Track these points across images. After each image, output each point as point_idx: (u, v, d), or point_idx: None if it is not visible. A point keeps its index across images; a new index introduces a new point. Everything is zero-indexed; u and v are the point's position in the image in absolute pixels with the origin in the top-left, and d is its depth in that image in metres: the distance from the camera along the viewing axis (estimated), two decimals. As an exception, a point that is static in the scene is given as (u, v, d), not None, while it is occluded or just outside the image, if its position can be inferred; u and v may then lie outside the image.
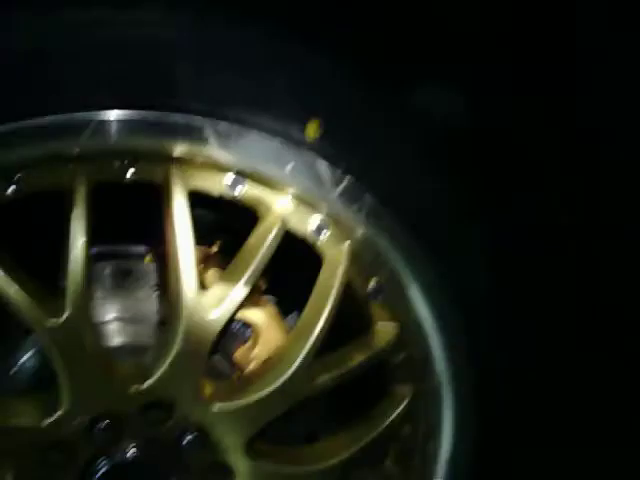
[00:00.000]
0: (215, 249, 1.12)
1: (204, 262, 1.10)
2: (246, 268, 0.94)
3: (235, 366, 1.12)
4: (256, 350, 1.11)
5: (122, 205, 1.02)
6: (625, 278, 1.11)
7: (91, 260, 0.90)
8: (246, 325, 1.12)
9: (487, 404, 1.12)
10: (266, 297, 1.16)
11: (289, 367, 0.98)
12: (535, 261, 1.09)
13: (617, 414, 1.18)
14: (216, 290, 0.96)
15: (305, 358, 0.98)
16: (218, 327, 0.94)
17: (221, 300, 0.93)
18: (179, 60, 0.88)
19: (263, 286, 1.15)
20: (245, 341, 1.12)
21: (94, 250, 0.99)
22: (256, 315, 1.11)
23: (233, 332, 1.11)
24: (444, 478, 1.16)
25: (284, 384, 0.98)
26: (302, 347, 0.98)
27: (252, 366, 1.11)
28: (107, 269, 1.12)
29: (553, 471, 1.21)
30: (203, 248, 1.11)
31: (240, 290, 0.94)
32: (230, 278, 0.95)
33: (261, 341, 1.11)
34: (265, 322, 1.11)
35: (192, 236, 0.91)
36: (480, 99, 1.02)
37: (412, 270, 1.01)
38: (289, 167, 0.93)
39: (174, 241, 0.90)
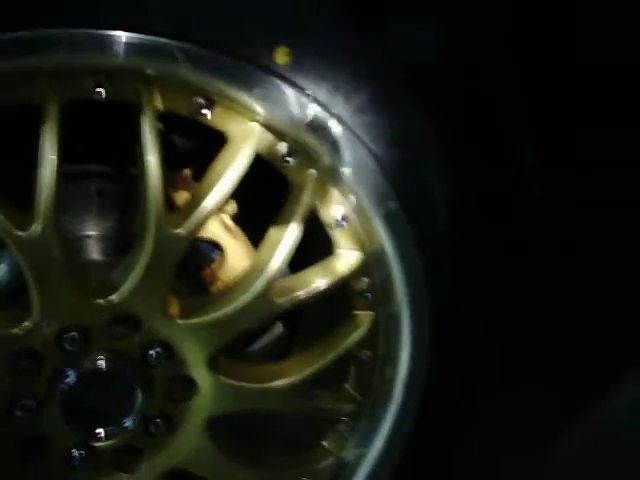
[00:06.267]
0: (188, 173, 1.14)
1: (176, 185, 1.12)
2: (212, 188, 0.97)
3: (202, 285, 1.15)
4: (222, 271, 1.15)
5: (95, 124, 1.04)
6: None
7: (61, 178, 0.91)
8: (214, 246, 1.15)
9: (441, 329, 1.16)
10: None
11: (252, 286, 1.02)
12: (495, 202, 1.12)
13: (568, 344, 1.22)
14: (184, 210, 0.98)
15: (268, 279, 1.01)
16: (184, 243, 0.97)
17: (188, 218, 0.96)
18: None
19: (232, 211, 1.18)
20: (212, 261, 1.15)
21: (65, 169, 1.00)
22: (223, 237, 1.14)
23: (201, 252, 1.14)
24: (400, 401, 1.21)
25: (246, 303, 1.01)
26: (265, 268, 1.01)
27: (218, 285, 1.15)
28: (80, 187, 1.14)
29: (504, 394, 1.26)
30: (176, 172, 1.13)
31: (206, 207, 0.96)
32: (198, 198, 0.97)
33: (227, 262, 1.15)
34: (232, 245, 1.14)
35: (160, 155, 0.93)
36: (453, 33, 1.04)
37: (376, 201, 1.04)
38: (257, 92, 0.95)
39: (143, 160, 0.93)
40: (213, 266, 1.15)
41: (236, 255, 1.15)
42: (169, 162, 0.96)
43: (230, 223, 1.15)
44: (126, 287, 0.97)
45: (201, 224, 0.97)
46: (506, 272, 1.15)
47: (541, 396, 1.26)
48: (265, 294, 1.02)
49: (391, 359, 1.20)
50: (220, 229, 1.13)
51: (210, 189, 0.98)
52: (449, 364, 1.20)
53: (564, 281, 1.17)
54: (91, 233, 1.12)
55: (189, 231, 0.97)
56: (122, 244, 1.09)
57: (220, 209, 1.03)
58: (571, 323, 1.22)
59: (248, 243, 1.18)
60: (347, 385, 1.24)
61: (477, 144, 1.08)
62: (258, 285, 1.02)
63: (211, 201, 0.97)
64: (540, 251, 1.14)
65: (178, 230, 0.96)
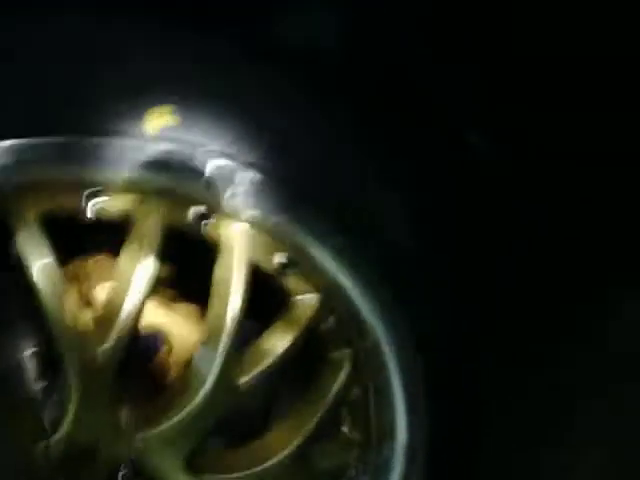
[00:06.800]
0: (97, 260, 0.99)
1: (89, 279, 0.97)
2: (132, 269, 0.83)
3: (156, 379, 1.01)
4: (173, 356, 1.01)
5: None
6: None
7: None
8: (155, 334, 1.01)
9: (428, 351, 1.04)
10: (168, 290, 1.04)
11: (205, 378, 0.88)
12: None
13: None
14: (104, 316, 0.84)
15: (222, 365, 0.88)
16: (115, 356, 0.83)
17: (109, 331, 0.82)
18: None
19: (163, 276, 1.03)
20: (157, 351, 1.01)
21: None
22: (161, 319, 1.00)
23: (142, 346, 1.00)
24: (406, 427, 1.09)
25: (204, 399, 0.87)
26: (215, 353, 0.88)
27: (173, 373, 1.01)
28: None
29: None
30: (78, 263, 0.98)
31: (126, 312, 0.82)
32: (111, 303, 0.83)
33: (175, 345, 1.00)
34: (174, 323, 1.00)
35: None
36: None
37: (316, 238, 0.91)
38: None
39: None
40: (160, 355, 1.00)
41: (183, 333, 1.01)
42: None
43: (162, 301, 1.00)
44: (66, 424, 0.83)
45: (128, 331, 0.83)
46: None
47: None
48: (224, 382, 0.88)
49: (382, 389, 1.07)
50: (154, 312, 0.99)
51: (130, 275, 0.83)
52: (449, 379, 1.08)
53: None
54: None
55: (116, 346, 0.82)
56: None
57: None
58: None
59: (191, 309, 1.04)
60: (344, 429, 1.11)
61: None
62: (214, 371, 0.88)
63: (129, 305, 0.82)
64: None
65: (104, 347, 0.81)
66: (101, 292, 0.97)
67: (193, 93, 0.80)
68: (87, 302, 0.99)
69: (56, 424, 0.85)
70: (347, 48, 0.93)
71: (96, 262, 1.00)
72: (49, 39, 0.79)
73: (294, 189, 0.87)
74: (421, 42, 0.96)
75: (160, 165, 0.80)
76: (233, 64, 0.87)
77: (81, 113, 0.77)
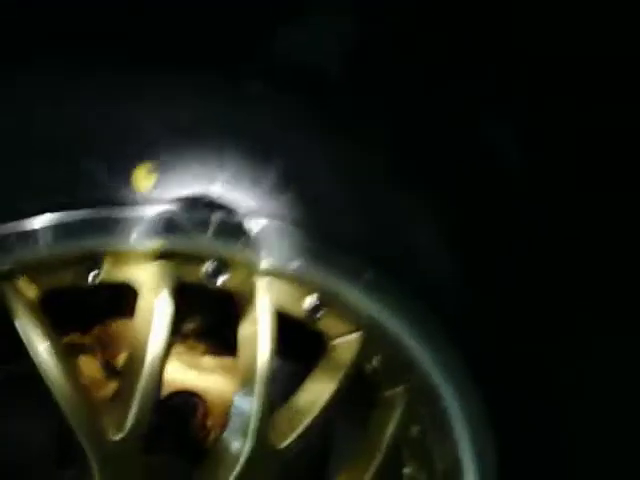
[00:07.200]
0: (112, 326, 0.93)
1: (107, 345, 0.91)
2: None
3: (197, 444, 0.94)
4: (210, 417, 0.93)
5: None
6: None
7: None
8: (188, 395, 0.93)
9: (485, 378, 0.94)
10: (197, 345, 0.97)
11: (244, 441, 0.80)
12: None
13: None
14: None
15: (258, 431, 0.79)
16: (140, 428, 0.76)
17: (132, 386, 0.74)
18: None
19: (191, 330, 0.97)
20: (195, 411, 0.94)
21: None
22: (195, 380, 0.92)
23: (175, 410, 0.93)
24: (472, 465, 1.00)
25: (245, 467, 0.79)
26: (251, 410, 0.80)
27: (212, 437, 0.93)
28: None
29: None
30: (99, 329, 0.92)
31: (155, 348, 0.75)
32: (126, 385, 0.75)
33: (211, 406, 0.93)
34: (206, 384, 0.93)
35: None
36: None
37: (345, 275, 0.82)
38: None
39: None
40: (197, 420, 0.93)
41: (218, 392, 0.93)
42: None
43: (190, 360, 0.93)
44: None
45: (144, 417, 0.75)
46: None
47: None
48: (261, 448, 0.80)
49: (441, 423, 0.98)
50: (185, 374, 0.91)
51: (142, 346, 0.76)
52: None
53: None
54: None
55: (140, 416, 0.75)
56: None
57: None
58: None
59: (225, 361, 0.96)
60: (407, 470, 1.03)
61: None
62: (251, 433, 0.80)
63: (151, 355, 0.75)
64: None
65: (126, 424, 0.74)
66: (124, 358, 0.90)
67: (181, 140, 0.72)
68: (113, 370, 0.92)
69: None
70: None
71: (119, 326, 0.93)
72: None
73: (313, 229, 0.78)
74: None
75: (161, 227, 0.72)
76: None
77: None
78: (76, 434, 0.72)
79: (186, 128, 0.71)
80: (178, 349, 0.93)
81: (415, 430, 0.99)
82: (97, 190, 0.67)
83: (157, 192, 0.70)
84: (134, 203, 0.69)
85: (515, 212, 0.93)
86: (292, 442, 0.83)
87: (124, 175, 0.68)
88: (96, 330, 0.93)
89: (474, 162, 0.88)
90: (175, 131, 0.71)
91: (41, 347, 0.70)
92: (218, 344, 0.98)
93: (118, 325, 0.93)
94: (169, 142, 0.70)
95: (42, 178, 0.70)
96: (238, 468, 0.79)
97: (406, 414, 0.97)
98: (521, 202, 0.94)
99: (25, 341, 0.71)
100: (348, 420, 1.03)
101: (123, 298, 0.88)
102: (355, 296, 0.84)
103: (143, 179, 0.69)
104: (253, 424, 0.79)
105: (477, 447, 0.99)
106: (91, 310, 0.94)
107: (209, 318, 0.94)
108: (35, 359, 0.70)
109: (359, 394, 0.95)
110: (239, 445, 0.81)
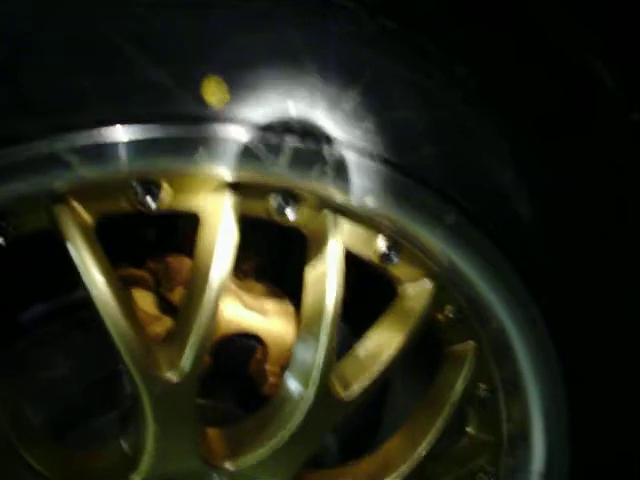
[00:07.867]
0: (173, 261, 0.87)
1: (164, 281, 0.85)
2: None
3: (254, 386, 0.89)
4: (269, 362, 0.88)
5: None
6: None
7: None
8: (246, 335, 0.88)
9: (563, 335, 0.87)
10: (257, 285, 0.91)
11: (306, 389, 0.74)
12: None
13: None
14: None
15: (322, 370, 0.73)
16: (195, 369, 0.70)
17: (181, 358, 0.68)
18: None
19: (250, 270, 0.91)
20: (254, 352, 0.88)
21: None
22: (253, 323, 0.86)
23: (235, 348, 0.87)
24: (542, 431, 0.93)
25: (307, 416, 0.74)
26: (313, 354, 0.73)
27: (271, 383, 0.88)
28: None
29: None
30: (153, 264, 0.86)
31: (198, 336, 0.69)
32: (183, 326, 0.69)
33: (271, 350, 0.87)
34: (266, 327, 0.87)
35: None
36: None
37: (423, 218, 0.75)
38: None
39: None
40: (255, 361, 0.87)
41: (276, 336, 0.87)
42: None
43: (250, 301, 0.86)
44: (145, 458, 0.71)
45: (199, 357, 0.69)
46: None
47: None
48: (328, 392, 0.74)
49: (512, 383, 0.91)
50: (243, 314, 0.85)
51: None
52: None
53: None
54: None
55: (196, 357, 0.69)
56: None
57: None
58: None
59: (285, 305, 0.90)
60: (469, 429, 0.96)
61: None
62: (314, 384, 0.74)
63: (199, 329, 0.69)
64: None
65: (181, 364, 0.68)
66: (180, 294, 0.85)
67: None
68: (168, 306, 0.87)
69: (135, 458, 0.73)
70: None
71: (174, 261, 0.87)
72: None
73: (392, 162, 0.71)
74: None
75: (230, 151, 0.65)
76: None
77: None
78: (129, 371, 0.67)
79: (265, 46, 0.64)
80: (237, 288, 0.87)
81: (483, 388, 0.93)
82: (165, 103, 0.60)
83: (230, 111, 0.63)
84: (204, 120, 0.62)
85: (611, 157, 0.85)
86: (356, 393, 0.77)
87: (195, 87, 0.61)
88: (150, 264, 0.87)
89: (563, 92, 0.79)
90: (253, 49, 0.63)
91: (97, 276, 0.64)
92: (278, 286, 0.93)
93: (173, 260, 0.87)
94: (245, 59, 0.63)
95: (100, 89, 0.63)
96: (300, 417, 0.73)
97: (476, 371, 0.90)
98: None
99: (80, 269, 0.65)
100: (407, 371, 0.97)
101: (177, 232, 0.83)
102: (435, 240, 0.77)
103: (214, 93, 0.62)
104: (316, 372, 0.73)
105: (547, 408, 0.92)
106: (144, 243, 0.88)
107: (272, 257, 0.88)
108: (90, 289, 0.64)
109: (423, 344, 0.88)
110: (300, 393, 0.74)
